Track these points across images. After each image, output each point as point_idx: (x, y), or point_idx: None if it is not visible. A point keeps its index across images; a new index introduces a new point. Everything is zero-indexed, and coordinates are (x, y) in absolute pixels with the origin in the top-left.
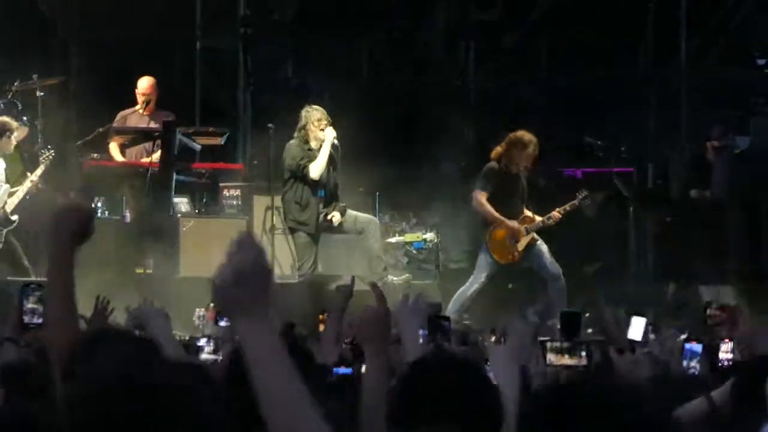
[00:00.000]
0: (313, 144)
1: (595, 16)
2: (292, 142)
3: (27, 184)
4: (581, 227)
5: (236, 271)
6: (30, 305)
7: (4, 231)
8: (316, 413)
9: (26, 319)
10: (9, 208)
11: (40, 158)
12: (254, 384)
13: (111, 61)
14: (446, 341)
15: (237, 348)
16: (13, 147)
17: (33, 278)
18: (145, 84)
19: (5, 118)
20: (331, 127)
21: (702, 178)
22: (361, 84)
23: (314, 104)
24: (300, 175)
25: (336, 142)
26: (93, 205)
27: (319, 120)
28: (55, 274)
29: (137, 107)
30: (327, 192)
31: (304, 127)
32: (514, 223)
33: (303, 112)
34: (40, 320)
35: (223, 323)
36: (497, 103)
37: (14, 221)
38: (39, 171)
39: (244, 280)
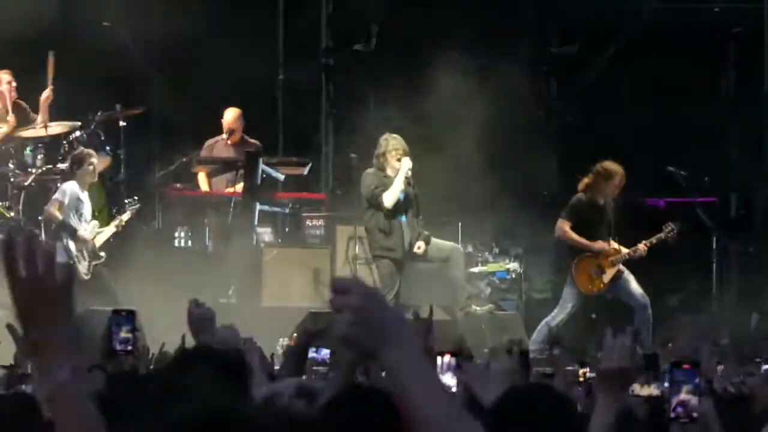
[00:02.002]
0: (390, 172)
1: (677, 48)
2: (368, 170)
3: (111, 229)
4: (665, 257)
5: (367, 321)
6: (122, 335)
7: (93, 263)
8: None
9: (116, 346)
10: (98, 243)
11: (127, 206)
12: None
13: (193, 91)
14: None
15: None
16: (95, 178)
17: (122, 307)
18: (229, 116)
19: (85, 150)
20: (407, 158)
21: None
22: (442, 115)
23: (394, 133)
24: (375, 203)
25: (410, 173)
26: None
27: (396, 149)
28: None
29: (223, 135)
30: (409, 217)
31: (381, 155)
32: (601, 245)
33: (381, 140)
34: (130, 348)
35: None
36: (579, 135)
37: (102, 257)
38: (125, 217)
39: (377, 326)
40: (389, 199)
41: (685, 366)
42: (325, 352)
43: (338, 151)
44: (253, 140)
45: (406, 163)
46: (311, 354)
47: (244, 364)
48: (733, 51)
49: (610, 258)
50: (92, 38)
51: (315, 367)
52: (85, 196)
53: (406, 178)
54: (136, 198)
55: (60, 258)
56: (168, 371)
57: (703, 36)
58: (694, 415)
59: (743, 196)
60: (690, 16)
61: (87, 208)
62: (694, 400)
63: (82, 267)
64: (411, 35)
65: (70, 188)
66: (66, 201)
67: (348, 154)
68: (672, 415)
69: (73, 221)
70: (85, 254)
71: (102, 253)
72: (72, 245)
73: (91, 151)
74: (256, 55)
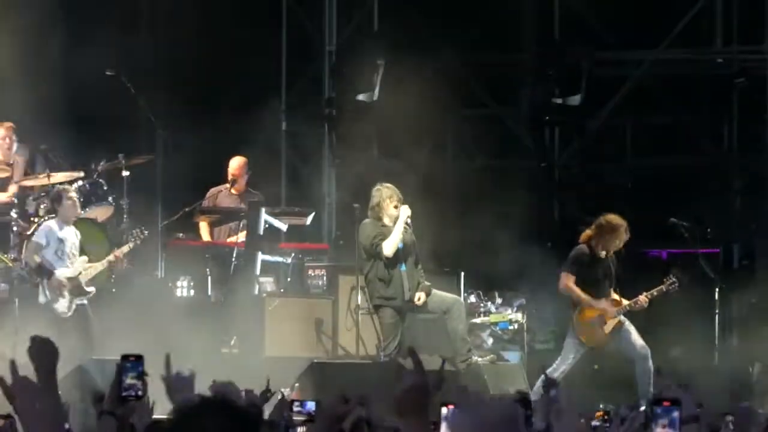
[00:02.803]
0: (387, 221)
1: (680, 98)
2: (366, 221)
3: (109, 258)
4: (667, 308)
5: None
6: (129, 381)
7: (76, 300)
8: None
9: (125, 393)
10: (84, 279)
11: (130, 236)
12: None
13: (196, 141)
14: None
15: None
16: (77, 211)
17: (133, 353)
18: (234, 164)
19: (60, 186)
20: (406, 206)
21: None
22: (445, 164)
23: (387, 183)
24: (374, 252)
25: (409, 220)
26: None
27: (390, 197)
28: None
29: (227, 185)
30: (408, 265)
31: (377, 205)
32: (603, 303)
33: (374, 191)
34: (139, 393)
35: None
36: (582, 185)
37: (89, 292)
38: (125, 248)
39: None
40: (389, 247)
41: (665, 402)
42: (311, 405)
43: (340, 201)
44: (255, 191)
45: (405, 211)
46: (296, 407)
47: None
48: (735, 101)
49: (613, 309)
50: (96, 87)
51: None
52: (67, 233)
53: (406, 224)
54: (142, 228)
55: (41, 299)
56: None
57: (705, 86)
58: None
59: (746, 247)
60: (693, 66)
61: (70, 245)
62: None
63: (61, 304)
64: (413, 86)
65: (47, 228)
66: (43, 242)
67: (350, 204)
68: None
69: (53, 260)
70: (65, 293)
71: (90, 289)
72: (47, 286)
73: (66, 187)
74: (259, 106)
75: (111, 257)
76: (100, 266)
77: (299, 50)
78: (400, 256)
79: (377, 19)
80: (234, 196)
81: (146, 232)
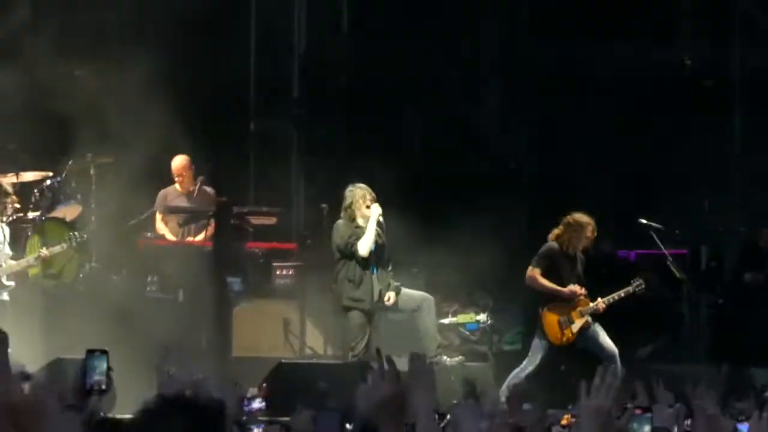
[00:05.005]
0: (360, 221)
1: (648, 99)
2: (339, 221)
3: (35, 255)
4: (635, 309)
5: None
6: (96, 374)
7: None
8: None
9: (91, 386)
10: (4, 272)
11: (67, 238)
12: None
13: (164, 141)
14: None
15: None
16: (2, 210)
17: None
18: (176, 163)
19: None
20: (376, 204)
21: (755, 261)
22: (414, 164)
23: (358, 183)
24: (349, 253)
25: (381, 219)
26: None
27: (363, 197)
28: None
29: (175, 185)
30: (379, 268)
31: (349, 206)
32: (570, 288)
33: (347, 192)
34: (104, 387)
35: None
36: (550, 186)
37: (8, 286)
38: (57, 248)
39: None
40: (364, 247)
41: (637, 411)
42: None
43: (309, 200)
44: (209, 188)
45: (376, 210)
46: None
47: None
48: (703, 103)
49: (578, 308)
50: (66, 86)
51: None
52: None
53: (378, 223)
54: (82, 233)
55: None
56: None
57: (674, 88)
58: None
59: (714, 248)
60: (659, 66)
61: None
62: None
63: None
64: (382, 84)
65: None
66: None
67: (319, 204)
68: None
69: None
70: None
71: (9, 282)
72: None
73: (3, 183)
74: (227, 106)
75: (36, 254)
76: (24, 262)
77: (268, 49)
78: (370, 258)
79: (346, 18)
80: (183, 195)
81: (85, 236)
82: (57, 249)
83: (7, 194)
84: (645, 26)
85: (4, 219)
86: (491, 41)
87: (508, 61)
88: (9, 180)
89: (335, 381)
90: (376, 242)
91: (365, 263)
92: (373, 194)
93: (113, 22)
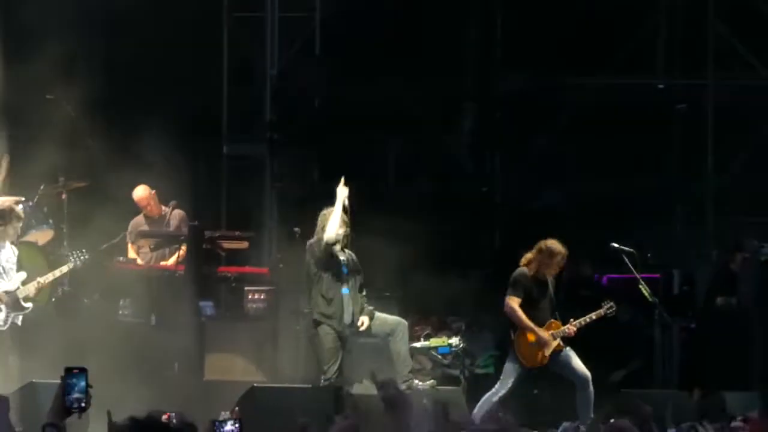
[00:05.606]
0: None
1: (621, 124)
2: (311, 241)
3: (48, 277)
4: (607, 333)
5: None
6: (75, 392)
7: (12, 315)
8: None
9: (70, 403)
10: (22, 294)
11: (71, 257)
12: None
13: (137, 165)
14: None
15: None
16: (17, 229)
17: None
18: (137, 195)
19: (7, 204)
20: (342, 184)
21: (727, 285)
22: (387, 189)
23: (331, 207)
24: (325, 255)
25: (347, 201)
26: None
27: None
28: None
29: (142, 213)
30: (351, 290)
31: (322, 229)
32: (544, 333)
33: (321, 215)
34: (83, 405)
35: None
36: (524, 210)
37: (26, 308)
38: (65, 268)
39: None
40: (330, 231)
41: None
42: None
43: (281, 224)
44: (179, 210)
45: (342, 191)
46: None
47: None
48: (677, 127)
49: (550, 332)
50: (36, 111)
51: None
52: (5, 249)
53: (344, 208)
54: (83, 250)
55: None
56: None
57: (647, 112)
58: None
59: (687, 273)
60: (634, 92)
61: (5, 260)
62: None
63: None
64: (354, 109)
65: None
66: None
67: (291, 228)
68: None
69: None
70: (1, 306)
71: (27, 305)
72: None
73: (12, 206)
74: (200, 129)
75: (50, 276)
76: (37, 284)
77: (240, 74)
78: (343, 279)
79: (319, 42)
80: (154, 221)
81: (87, 256)
82: (65, 269)
83: (19, 218)
84: (619, 52)
85: (15, 242)
86: (465, 66)
87: (482, 87)
88: None
89: (307, 406)
90: (348, 265)
91: (337, 284)
92: (346, 218)
93: (85, 47)
